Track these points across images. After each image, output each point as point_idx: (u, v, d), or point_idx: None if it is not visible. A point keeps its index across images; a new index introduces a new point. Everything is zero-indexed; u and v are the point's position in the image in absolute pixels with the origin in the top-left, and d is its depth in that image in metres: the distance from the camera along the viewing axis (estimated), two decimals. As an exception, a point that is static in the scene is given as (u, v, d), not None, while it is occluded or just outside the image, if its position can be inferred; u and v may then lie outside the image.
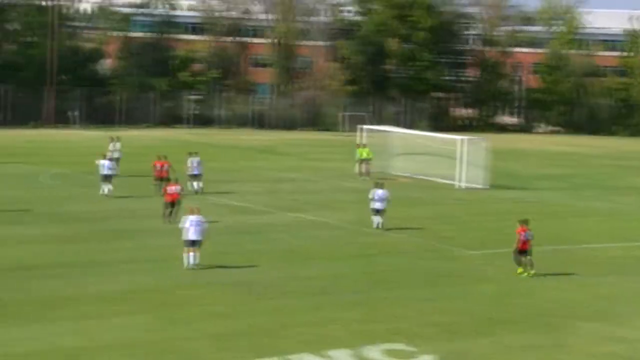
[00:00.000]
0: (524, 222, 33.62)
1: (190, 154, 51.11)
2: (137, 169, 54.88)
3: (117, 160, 53.80)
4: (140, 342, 23.43)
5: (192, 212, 32.50)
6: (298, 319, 25.97)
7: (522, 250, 33.15)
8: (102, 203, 45.58)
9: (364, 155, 59.99)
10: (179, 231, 32.57)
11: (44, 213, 42.08)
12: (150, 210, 43.45)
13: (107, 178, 47.95)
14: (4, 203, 44.15)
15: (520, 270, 33.00)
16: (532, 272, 32.69)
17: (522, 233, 33.14)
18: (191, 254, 31.71)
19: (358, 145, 61.13)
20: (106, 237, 37.00)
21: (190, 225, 31.85)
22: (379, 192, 40.79)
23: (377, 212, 40.78)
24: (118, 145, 56.74)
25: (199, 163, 50.70)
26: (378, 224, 40.74)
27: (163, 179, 46.63)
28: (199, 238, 31.81)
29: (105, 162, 48.42)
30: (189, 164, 50.37)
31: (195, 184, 49.56)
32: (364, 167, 59.64)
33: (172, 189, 40.91)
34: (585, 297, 30.31)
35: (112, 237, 36.93)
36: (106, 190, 47.56)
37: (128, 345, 23.12)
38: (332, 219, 43.30)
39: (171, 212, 39.90)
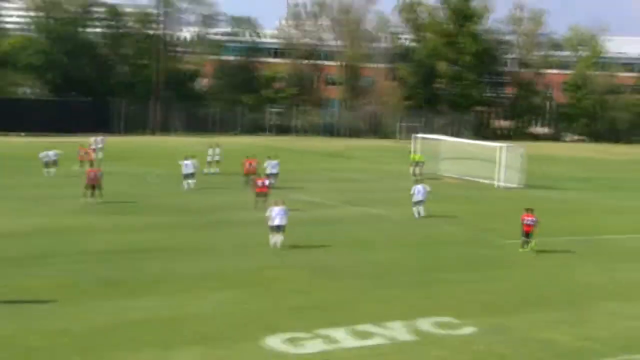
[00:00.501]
0: (529, 210, 34.73)
1: (269, 158, 52.02)
2: (230, 169, 55.30)
3: (217, 162, 55.17)
4: (229, 312, 23.66)
5: (276, 204, 33.19)
6: (363, 296, 26.02)
7: (527, 233, 34.10)
8: (199, 197, 45.97)
9: (417, 158, 60.09)
10: (264, 220, 32.85)
11: (151, 205, 42.57)
12: (241, 203, 43.84)
13: (188, 176, 49.05)
14: (118, 197, 44.79)
15: (521, 249, 34.09)
16: (533, 248, 33.81)
17: (526, 218, 34.23)
18: (276, 236, 32.56)
19: (411, 152, 60.96)
20: (205, 226, 37.35)
21: (275, 215, 32.57)
22: (419, 188, 41.77)
23: (417, 203, 41.57)
24: (218, 150, 57.55)
25: (275, 165, 51.49)
26: (419, 213, 41.50)
27: (251, 174, 48.05)
28: (283, 223, 32.55)
29: (187, 162, 49.40)
30: (265, 165, 51.33)
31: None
32: (417, 168, 59.56)
33: (260, 182, 41.87)
34: (606, 280, 29.99)
35: (209, 226, 37.27)
36: (186, 186, 48.70)
37: (218, 315, 23.36)
38: (392, 213, 43.22)
39: (259, 201, 40.54)
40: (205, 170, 55.27)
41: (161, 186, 50.58)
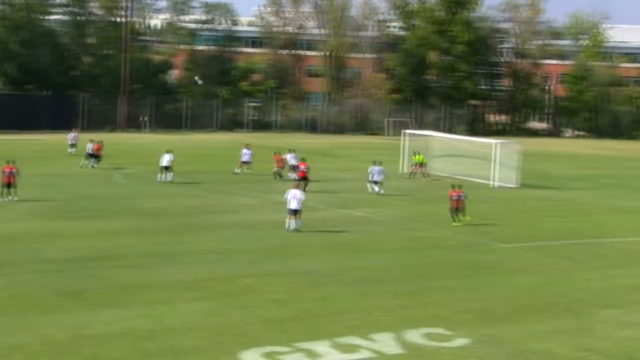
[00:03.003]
0: (455, 186, 41.43)
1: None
2: (202, 169, 55.27)
3: (248, 164, 58.04)
4: (204, 325, 23.62)
5: (296, 187, 38.52)
6: (347, 306, 26.04)
7: (456, 208, 40.30)
8: (171, 199, 45.91)
9: (420, 160, 59.78)
10: (244, 225, 32.92)
11: (119, 209, 42.47)
12: (216, 206, 43.87)
13: (162, 169, 52.54)
14: (83, 200, 44.69)
15: (454, 223, 40.06)
16: (467, 219, 40.06)
17: (453, 194, 40.40)
18: (292, 220, 36.86)
19: (414, 153, 60.61)
20: (177, 230, 37.26)
21: (292, 198, 36.82)
22: (376, 168, 47.57)
23: (375, 183, 48.75)
24: (249, 151, 58.56)
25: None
26: (375, 191, 48.51)
27: (282, 168, 55.84)
28: (299, 207, 36.75)
29: (165, 155, 52.54)
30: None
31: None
32: (420, 169, 59.38)
33: (302, 167, 50.26)
34: (607, 286, 30.15)
35: (181, 231, 37.19)
36: (163, 178, 52.01)
37: (192, 328, 23.31)
38: (379, 215, 43.32)
39: (300, 184, 43.53)
40: (237, 170, 57.52)
41: (130, 187, 50.49)
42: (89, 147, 59.01)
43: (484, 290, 28.76)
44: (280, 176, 55.08)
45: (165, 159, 52.69)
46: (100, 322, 23.52)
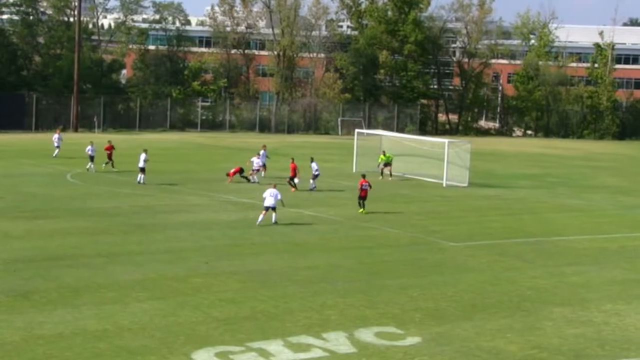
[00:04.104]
0: (364, 176, 44.61)
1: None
2: (155, 169, 54.95)
3: (264, 166, 57.03)
4: (156, 325, 23.54)
5: (274, 187, 40.40)
6: (299, 305, 26.09)
7: (362, 197, 43.28)
8: (123, 199, 45.62)
9: (386, 158, 59.41)
10: (194, 225, 32.78)
11: (71, 208, 42.12)
12: (167, 206, 43.70)
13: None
14: (34, 200, 44.27)
15: (360, 210, 43.14)
16: (365, 211, 43.04)
17: (363, 184, 43.23)
18: (264, 215, 39.18)
19: (383, 152, 60.27)
20: (129, 230, 37.07)
21: (270, 195, 39.33)
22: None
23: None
24: (263, 152, 57.99)
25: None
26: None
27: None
28: (273, 205, 39.28)
29: (142, 155, 52.31)
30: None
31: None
32: (387, 169, 59.16)
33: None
34: (556, 285, 30.43)
35: (133, 231, 37.01)
36: (138, 178, 51.69)
37: (144, 328, 23.23)
38: (330, 214, 43.40)
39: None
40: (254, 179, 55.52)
41: (82, 187, 50.05)
42: (91, 150, 57.12)
43: (435, 288, 28.93)
44: (294, 185, 51.97)
45: (141, 159, 52.04)
46: (51, 322, 23.35)
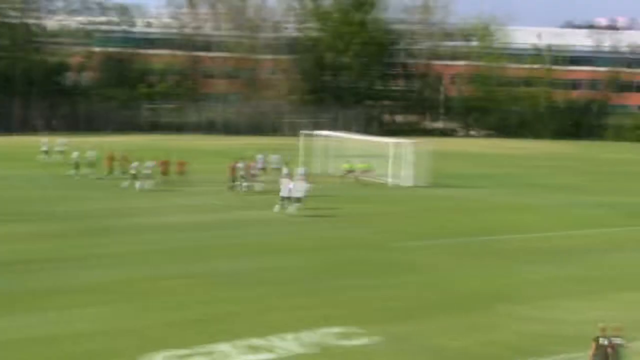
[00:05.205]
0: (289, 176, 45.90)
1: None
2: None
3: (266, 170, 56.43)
4: (109, 330, 23.15)
5: (288, 178, 43.67)
6: (248, 307, 25.76)
7: (288, 197, 43.16)
8: (82, 202, 44.94)
9: (350, 167, 58.85)
10: (158, 228, 32.29)
11: (32, 212, 41.36)
12: (130, 208, 43.14)
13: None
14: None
15: (281, 210, 42.79)
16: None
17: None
18: (290, 206, 42.35)
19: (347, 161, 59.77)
20: (91, 233, 36.45)
21: (286, 187, 42.53)
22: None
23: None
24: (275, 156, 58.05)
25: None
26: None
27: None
28: (291, 195, 42.38)
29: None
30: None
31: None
32: (353, 175, 58.50)
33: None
34: (513, 283, 30.50)
35: (96, 233, 36.39)
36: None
37: (97, 333, 22.81)
38: (297, 215, 42.90)
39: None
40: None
41: (29, 190, 49.19)
42: (91, 155, 56.14)
43: (392, 288, 28.75)
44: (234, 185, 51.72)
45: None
46: (6, 328, 22.84)
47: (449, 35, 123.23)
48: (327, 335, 23.07)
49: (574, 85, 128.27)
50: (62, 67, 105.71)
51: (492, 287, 29.61)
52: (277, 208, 43.26)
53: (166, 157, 55.12)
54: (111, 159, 55.66)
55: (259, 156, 57.55)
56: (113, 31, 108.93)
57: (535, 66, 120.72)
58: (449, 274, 31.52)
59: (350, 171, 58.79)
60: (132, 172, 50.48)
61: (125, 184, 50.15)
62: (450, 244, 37.43)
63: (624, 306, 27.46)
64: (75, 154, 56.16)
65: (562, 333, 24.28)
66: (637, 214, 48.79)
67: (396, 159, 57.74)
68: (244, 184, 51.30)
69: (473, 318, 25.47)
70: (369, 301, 26.91)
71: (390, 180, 56.87)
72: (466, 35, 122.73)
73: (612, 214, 48.26)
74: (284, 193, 43.18)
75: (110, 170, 54.79)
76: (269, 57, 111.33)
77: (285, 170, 51.38)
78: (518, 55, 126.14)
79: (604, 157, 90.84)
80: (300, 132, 66.56)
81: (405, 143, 61.82)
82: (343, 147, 62.49)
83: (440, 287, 29.21)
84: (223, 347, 21.88)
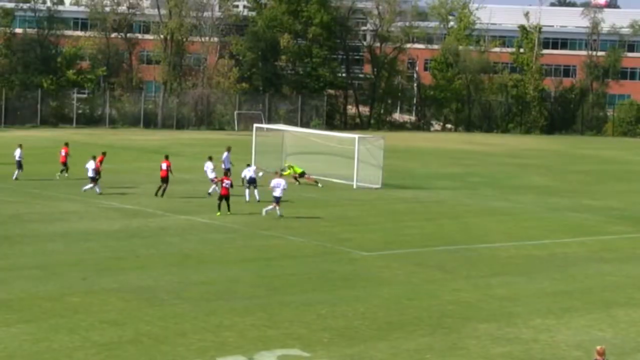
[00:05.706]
0: (226, 173, 47.46)
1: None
2: (24, 171, 54.22)
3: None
4: (25, 352, 23.21)
5: (279, 176, 45.91)
6: (191, 326, 25.99)
7: (224, 196, 44.41)
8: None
9: (297, 171, 58.76)
10: (69, 235, 32.34)
11: None
12: (40, 214, 43.10)
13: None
14: None
15: (218, 214, 44.18)
16: (228, 213, 44.18)
17: (223, 181, 44.78)
18: (277, 207, 44.16)
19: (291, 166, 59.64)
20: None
21: (276, 186, 44.01)
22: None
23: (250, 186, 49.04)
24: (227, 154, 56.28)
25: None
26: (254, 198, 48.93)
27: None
28: (279, 195, 43.93)
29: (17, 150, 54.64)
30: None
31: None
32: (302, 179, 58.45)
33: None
34: (480, 298, 30.89)
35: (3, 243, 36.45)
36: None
37: (11, 356, 22.88)
38: (227, 221, 43.24)
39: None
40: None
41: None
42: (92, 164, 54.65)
43: (345, 305, 29.06)
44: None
45: (17, 154, 54.46)
46: None
47: (422, 15, 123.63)
48: (268, 358, 23.36)
49: (567, 71, 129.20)
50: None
51: (460, 303, 29.99)
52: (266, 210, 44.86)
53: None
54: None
55: (225, 154, 56.42)
56: (37, 10, 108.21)
57: (522, 50, 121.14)
58: (412, 288, 31.87)
59: (301, 175, 58.53)
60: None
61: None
62: (415, 254, 37.82)
63: (606, 325, 28.00)
64: None
65: (537, 356, 24.74)
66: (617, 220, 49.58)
67: (362, 157, 57.82)
68: (212, 187, 50.59)
69: (432, 338, 25.83)
70: (319, 319, 27.21)
71: (353, 181, 57.02)
72: (443, 15, 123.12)
73: (591, 220, 49.01)
74: (276, 193, 44.52)
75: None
76: (216, 40, 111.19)
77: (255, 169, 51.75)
78: (502, 38, 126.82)
79: (604, 155, 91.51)
80: (253, 125, 66.67)
81: (372, 139, 62.22)
82: (301, 144, 62.62)
83: (402, 304, 29.54)
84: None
